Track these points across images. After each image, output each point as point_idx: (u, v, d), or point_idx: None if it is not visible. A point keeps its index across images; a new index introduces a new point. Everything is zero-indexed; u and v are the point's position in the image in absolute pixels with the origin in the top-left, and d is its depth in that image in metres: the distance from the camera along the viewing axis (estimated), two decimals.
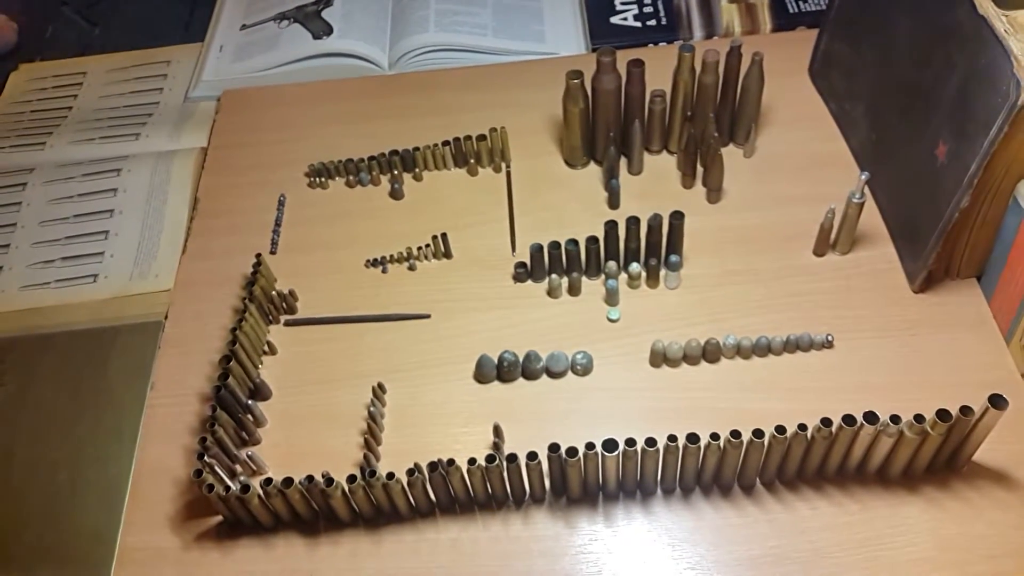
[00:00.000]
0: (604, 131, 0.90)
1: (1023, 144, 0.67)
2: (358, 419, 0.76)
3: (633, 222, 0.81)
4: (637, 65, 0.86)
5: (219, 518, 0.72)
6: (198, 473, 0.68)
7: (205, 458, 0.69)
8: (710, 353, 0.77)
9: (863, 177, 0.77)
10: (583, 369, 0.78)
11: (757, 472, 0.69)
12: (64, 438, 0.79)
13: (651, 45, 1.07)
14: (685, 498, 0.70)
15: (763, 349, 0.77)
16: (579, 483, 0.69)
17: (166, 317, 0.86)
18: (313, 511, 0.71)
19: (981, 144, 0.68)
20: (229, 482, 0.69)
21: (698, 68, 0.87)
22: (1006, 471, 0.69)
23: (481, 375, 0.78)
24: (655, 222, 0.80)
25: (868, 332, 0.78)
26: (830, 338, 0.77)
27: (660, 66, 0.91)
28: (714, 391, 0.76)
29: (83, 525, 0.73)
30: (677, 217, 0.80)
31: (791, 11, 1.07)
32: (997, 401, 0.62)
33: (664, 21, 1.09)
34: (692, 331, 0.78)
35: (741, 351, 0.77)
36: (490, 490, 0.70)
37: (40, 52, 1.20)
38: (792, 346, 0.77)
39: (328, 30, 1.08)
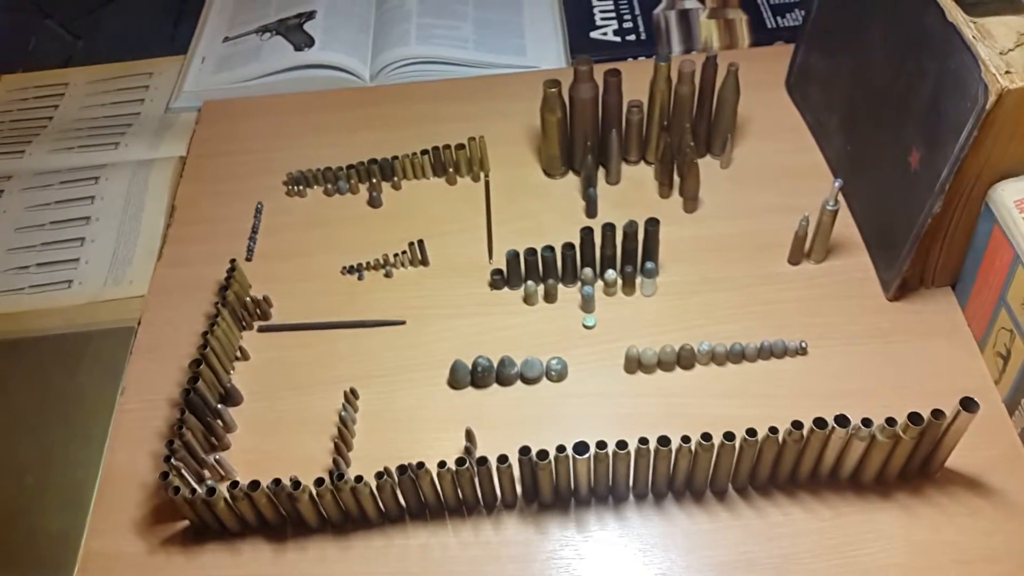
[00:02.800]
0: (582, 140, 0.90)
1: (993, 149, 0.68)
2: (330, 425, 0.76)
3: (609, 229, 0.81)
4: (614, 75, 0.87)
5: (185, 523, 0.71)
6: (164, 476, 0.67)
7: (172, 461, 0.68)
8: (684, 359, 0.77)
9: (836, 184, 0.77)
10: (558, 375, 0.77)
11: (729, 477, 0.69)
12: (32, 442, 0.78)
13: (630, 60, 1.07)
14: (657, 503, 0.70)
15: (737, 356, 0.77)
16: (550, 487, 0.68)
17: (139, 323, 0.86)
18: (280, 516, 0.70)
19: (952, 149, 0.68)
20: (196, 485, 0.68)
21: (674, 79, 0.88)
22: (979, 477, 0.69)
23: (455, 381, 0.78)
24: (631, 229, 0.80)
25: (842, 339, 0.78)
26: (804, 345, 0.77)
27: (639, 80, 0.91)
28: (688, 397, 0.76)
29: (48, 529, 0.72)
30: (652, 224, 0.80)
31: (769, 26, 1.09)
32: (969, 404, 0.62)
33: (643, 36, 1.10)
34: (667, 338, 0.78)
35: (715, 357, 0.77)
36: (461, 495, 0.69)
37: (22, 64, 1.20)
38: (766, 353, 0.77)
39: (309, 42, 1.09)
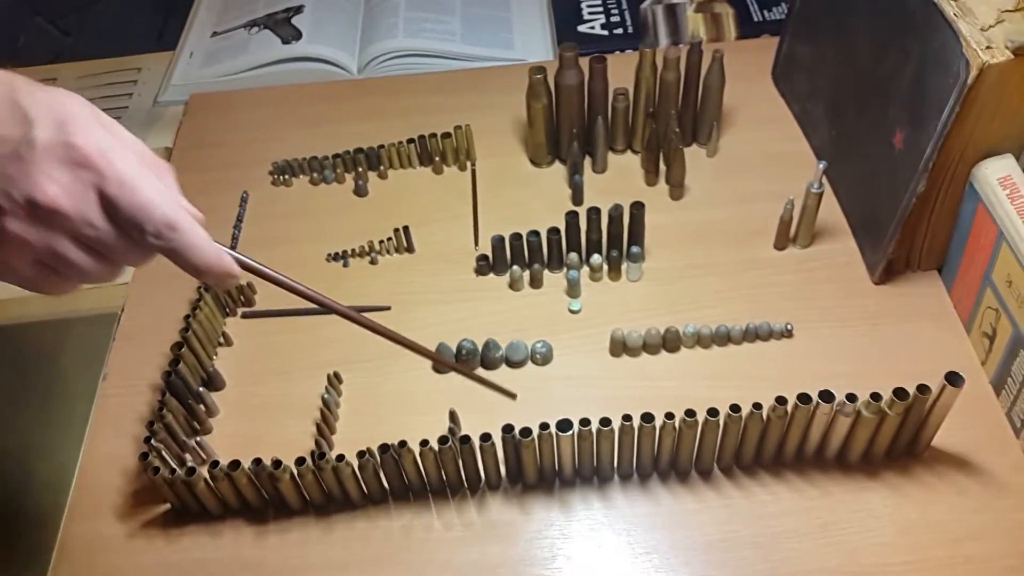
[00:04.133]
0: (568, 128, 0.90)
1: (976, 126, 0.68)
2: (314, 409, 0.75)
3: (594, 213, 0.80)
4: (599, 61, 0.87)
5: (166, 506, 0.70)
6: (144, 456, 0.66)
7: (152, 442, 0.67)
8: (670, 342, 0.76)
9: (820, 166, 0.77)
10: (542, 358, 0.77)
11: (714, 456, 0.68)
12: (12, 428, 0.77)
13: (618, 52, 1.07)
14: (642, 484, 0.69)
15: (723, 338, 0.76)
16: (534, 467, 0.67)
17: (122, 309, 0.85)
18: (262, 498, 0.69)
19: (935, 126, 0.68)
20: (175, 466, 0.67)
21: (660, 66, 0.88)
22: (966, 456, 0.68)
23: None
24: (616, 212, 0.80)
25: (828, 322, 0.78)
26: (789, 327, 0.77)
27: (625, 72, 0.91)
28: (674, 380, 0.75)
29: (27, 513, 0.71)
30: (638, 207, 0.80)
31: (756, 20, 1.09)
32: (954, 379, 0.61)
33: (631, 30, 1.10)
34: (653, 323, 0.77)
35: (701, 340, 0.76)
36: (444, 475, 0.68)
37: (11, 61, 1.20)
38: (752, 335, 0.76)
39: (297, 35, 1.09)
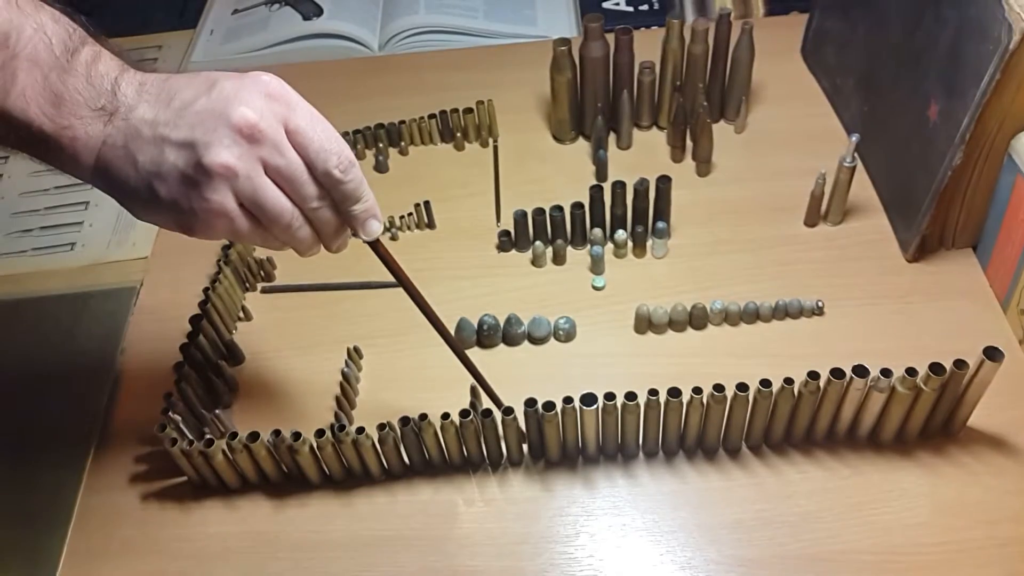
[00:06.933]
0: (592, 102, 0.88)
1: (1016, 95, 0.65)
2: (333, 384, 0.74)
3: (619, 187, 0.79)
4: (625, 33, 0.85)
5: (184, 479, 0.69)
6: (162, 427, 0.65)
7: (170, 414, 0.66)
8: (697, 319, 0.74)
9: (853, 139, 0.75)
10: (566, 335, 0.75)
11: (742, 434, 0.66)
12: (29, 401, 0.76)
13: (643, 29, 1.06)
14: (668, 461, 0.67)
15: (751, 315, 0.74)
16: (557, 443, 0.66)
17: (141, 284, 0.84)
18: (281, 472, 0.68)
19: (973, 96, 0.66)
20: (193, 438, 0.66)
21: (687, 39, 0.86)
22: (1004, 436, 0.66)
23: (460, 340, 0.76)
24: (642, 186, 0.78)
25: (860, 300, 0.76)
26: (820, 304, 0.75)
27: (651, 48, 0.90)
28: (701, 357, 0.73)
29: (44, 486, 0.71)
30: (664, 181, 0.78)
31: None
32: (993, 354, 0.60)
33: (656, 6, 1.08)
34: (679, 299, 0.75)
35: (729, 317, 0.75)
36: (465, 451, 0.67)
37: None
38: (781, 312, 0.75)
39: (318, 12, 1.08)
